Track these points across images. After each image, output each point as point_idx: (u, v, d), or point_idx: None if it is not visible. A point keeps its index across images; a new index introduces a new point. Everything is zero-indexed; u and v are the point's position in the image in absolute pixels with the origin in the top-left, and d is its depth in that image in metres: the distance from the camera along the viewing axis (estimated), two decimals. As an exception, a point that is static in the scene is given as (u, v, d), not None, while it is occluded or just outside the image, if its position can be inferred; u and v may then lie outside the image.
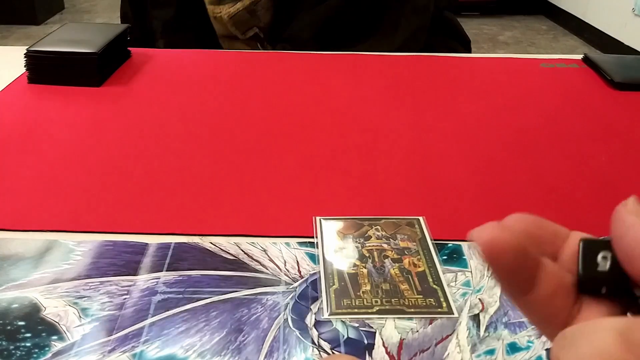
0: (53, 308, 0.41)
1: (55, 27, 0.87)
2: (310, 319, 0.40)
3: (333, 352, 0.38)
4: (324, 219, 0.51)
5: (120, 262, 0.45)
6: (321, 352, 0.38)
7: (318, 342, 0.39)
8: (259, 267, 0.45)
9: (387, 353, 0.38)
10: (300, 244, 0.48)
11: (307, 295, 0.43)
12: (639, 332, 0.17)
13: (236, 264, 0.46)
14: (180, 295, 0.42)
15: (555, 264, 0.22)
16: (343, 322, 0.40)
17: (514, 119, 0.72)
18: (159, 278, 0.44)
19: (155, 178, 0.57)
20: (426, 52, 0.95)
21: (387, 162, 0.61)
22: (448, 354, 0.38)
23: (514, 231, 0.21)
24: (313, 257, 0.46)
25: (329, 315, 0.41)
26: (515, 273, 0.21)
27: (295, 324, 0.40)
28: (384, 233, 0.49)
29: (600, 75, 0.86)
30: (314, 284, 0.43)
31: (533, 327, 0.40)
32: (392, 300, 0.42)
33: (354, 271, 0.45)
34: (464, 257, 0.47)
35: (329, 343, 0.39)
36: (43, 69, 0.78)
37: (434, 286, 0.43)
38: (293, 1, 1.01)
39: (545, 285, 0.21)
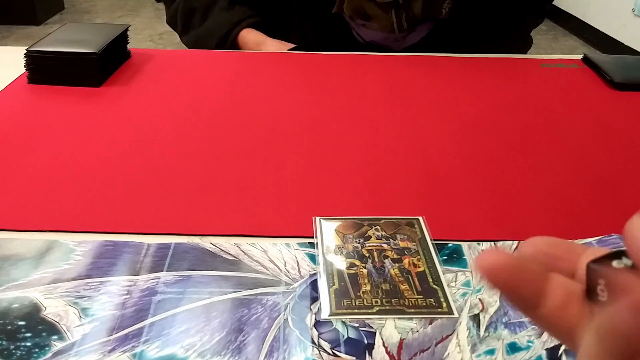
0: (53, 308, 0.41)
1: (55, 27, 0.87)
2: (310, 319, 0.40)
3: (333, 352, 0.38)
4: (323, 219, 0.51)
5: (120, 262, 0.45)
6: (321, 352, 0.38)
7: (318, 341, 0.39)
8: (259, 267, 0.45)
9: (387, 353, 0.38)
10: (301, 244, 0.48)
11: (307, 295, 0.43)
12: (604, 323, 0.19)
13: (236, 264, 0.46)
14: (181, 296, 0.42)
15: (564, 277, 0.22)
16: (343, 322, 0.40)
17: (514, 119, 0.72)
18: (159, 278, 0.44)
19: (155, 178, 0.57)
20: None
21: (387, 162, 0.61)
22: (448, 354, 0.38)
23: (508, 253, 0.22)
24: (313, 258, 0.46)
25: (329, 316, 0.41)
26: (518, 289, 0.22)
27: (296, 324, 0.40)
28: (383, 233, 0.49)
29: (600, 76, 0.86)
30: (314, 285, 0.44)
31: (538, 330, 0.40)
32: (392, 300, 0.42)
33: (354, 271, 0.45)
34: (464, 257, 0.47)
35: (329, 343, 0.39)
36: (43, 69, 0.78)
37: (434, 286, 0.43)
38: None
39: (553, 297, 0.22)
